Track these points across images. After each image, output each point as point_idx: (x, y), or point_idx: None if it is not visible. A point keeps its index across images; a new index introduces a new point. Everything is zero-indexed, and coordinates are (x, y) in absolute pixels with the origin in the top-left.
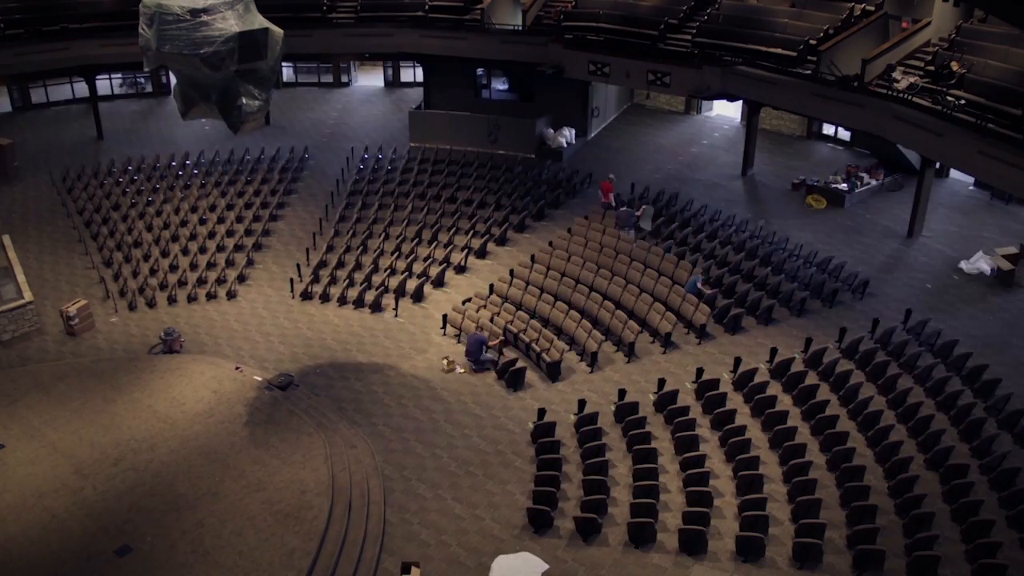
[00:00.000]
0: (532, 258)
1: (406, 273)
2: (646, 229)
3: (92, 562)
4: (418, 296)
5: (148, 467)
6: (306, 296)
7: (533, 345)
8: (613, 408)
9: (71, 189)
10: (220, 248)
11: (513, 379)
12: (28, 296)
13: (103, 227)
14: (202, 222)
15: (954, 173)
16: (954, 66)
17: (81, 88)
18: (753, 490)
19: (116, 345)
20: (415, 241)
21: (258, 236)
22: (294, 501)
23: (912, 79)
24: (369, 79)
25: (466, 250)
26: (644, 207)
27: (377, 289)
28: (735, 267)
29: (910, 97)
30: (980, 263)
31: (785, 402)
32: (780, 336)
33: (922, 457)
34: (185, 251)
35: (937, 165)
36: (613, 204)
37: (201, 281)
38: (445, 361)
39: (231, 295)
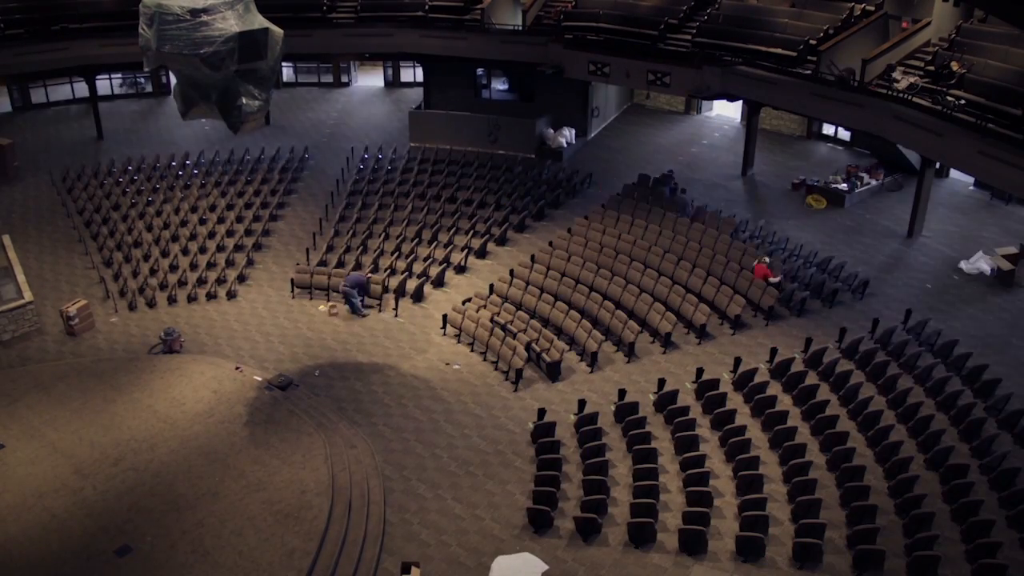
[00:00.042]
0: (532, 258)
1: (406, 273)
2: (775, 282)
3: (92, 562)
4: (418, 296)
5: (148, 467)
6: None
7: (533, 345)
8: (613, 408)
9: (71, 189)
10: (220, 248)
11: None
12: (28, 296)
13: (103, 227)
14: (202, 222)
15: (954, 173)
16: (954, 66)
17: (81, 88)
18: (753, 490)
19: (116, 345)
20: (415, 241)
21: (258, 236)
22: (294, 501)
23: (912, 79)
24: (369, 79)
25: (466, 250)
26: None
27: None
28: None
29: (910, 97)
30: (980, 263)
31: (785, 402)
32: (780, 336)
33: (922, 457)
34: (185, 251)
35: (937, 165)
36: (771, 280)
37: (201, 281)
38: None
39: (231, 295)
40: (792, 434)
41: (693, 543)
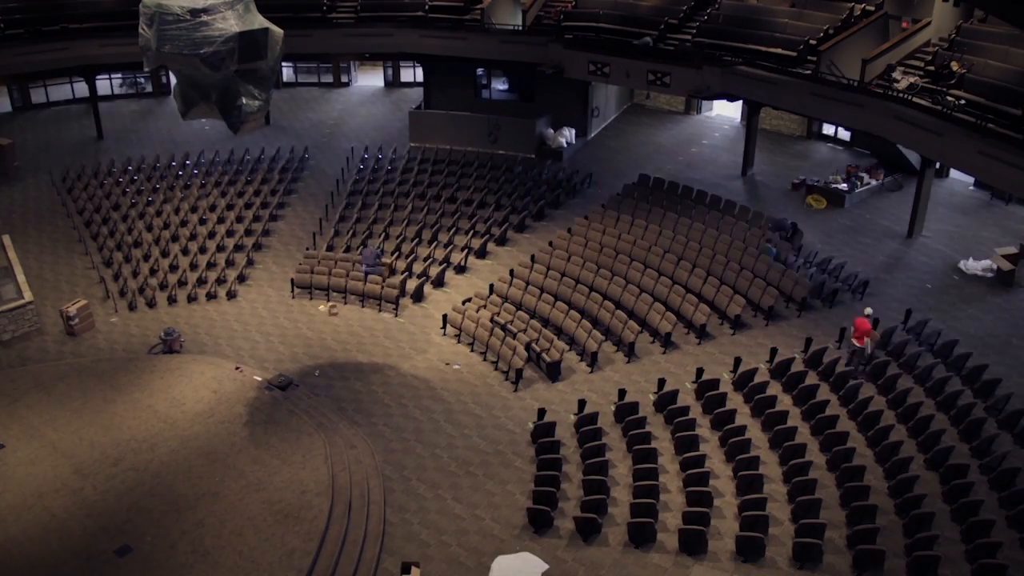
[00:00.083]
0: (532, 258)
1: (406, 273)
2: (862, 360)
3: (92, 562)
4: (418, 296)
5: (148, 467)
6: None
7: (533, 345)
8: (613, 408)
9: (71, 189)
10: (220, 248)
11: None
12: (28, 296)
13: (103, 227)
14: (202, 222)
15: (954, 173)
16: (954, 66)
17: (81, 88)
18: (753, 490)
19: (116, 345)
20: (415, 241)
21: (258, 236)
22: (294, 501)
23: (912, 79)
24: (369, 79)
25: (466, 250)
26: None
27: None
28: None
29: (910, 97)
30: (979, 268)
31: (785, 402)
32: (780, 336)
33: (922, 457)
34: (185, 251)
35: (937, 165)
36: (869, 350)
37: (201, 281)
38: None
39: (231, 295)
40: (792, 434)
41: (693, 543)
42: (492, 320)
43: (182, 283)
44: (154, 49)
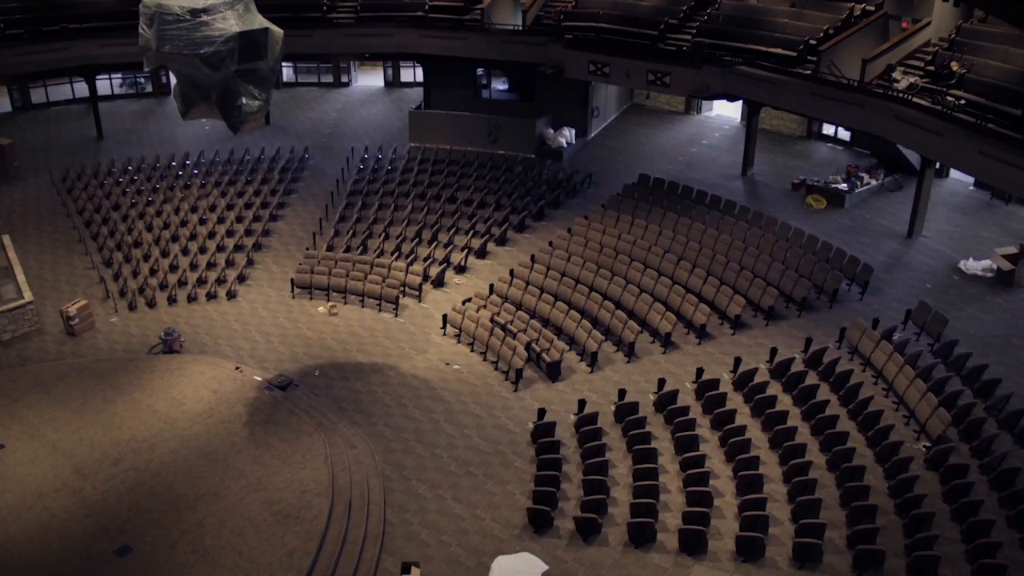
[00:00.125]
0: (532, 258)
1: (406, 273)
2: None
3: (92, 562)
4: (418, 296)
5: (148, 467)
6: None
7: (533, 345)
8: (613, 408)
9: (71, 189)
10: (220, 248)
11: None
12: (28, 296)
13: (103, 227)
14: (202, 222)
15: (954, 173)
16: (954, 66)
17: (81, 88)
18: (753, 490)
19: (116, 345)
20: (415, 241)
21: (258, 236)
22: (294, 501)
23: (912, 79)
24: (369, 79)
25: (466, 250)
26: None
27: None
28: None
29: (910, 97)
30: (979, 268)
31: (785, 402)
32: (780, 336)
33: (922, 457)
34: (185, 251)
35: (937, 165)
36: None
37: (201, 281)
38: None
39: (231, 295)
40: (792, 434)
41: (693, 543)
42: (492, 320)
43: (182, 283)
44: (154, 49)
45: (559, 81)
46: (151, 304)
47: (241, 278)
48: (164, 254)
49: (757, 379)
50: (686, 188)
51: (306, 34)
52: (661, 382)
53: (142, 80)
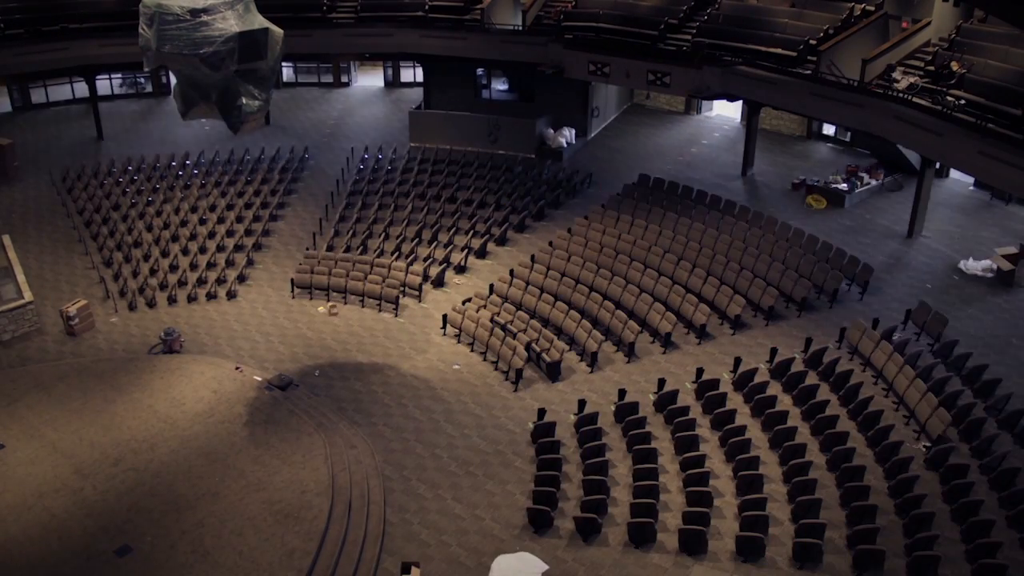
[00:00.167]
0: (532, 258)
1: (406, 273)
2: None
3: (92, 562)
4: (418, 296)
5: (148, 467)
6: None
7: (533, 345)
8: (613, 408)
9: (71, 189)
10: (220, 248)
11: None
12: (28, 296)
13: (103, 227)
14: (202, 222)
15: (954, 173)
16: (954, 66)
17: (81, 88)
18: (753, 490)
19: (116, 345)
20: (415, 241)
21: (258, 236)
22: (294, 501)
23: (912, 79)
24: (369, 79)
25: (466, 250)
26: None
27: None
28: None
29: (910, 97)
30: (979, 268)
31: (785, 402)
32: (780, 336)
33: (922, 457)
34: (185, 251)
35: (937, 165)
36: None
37: (201, 281)
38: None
39: (231, 295)
40: (792, 434)
41: (693, 543)
42: (492, 320)
43: (182, 283)
44: (154, 49)
45: (559, 81)
46: (151, 304)
47: (241, 278)
48: (164, 254)
49: (757, 379)
50: (686, 188)
51: (306, 34)
52: (661, 382)
53: (142, 80)
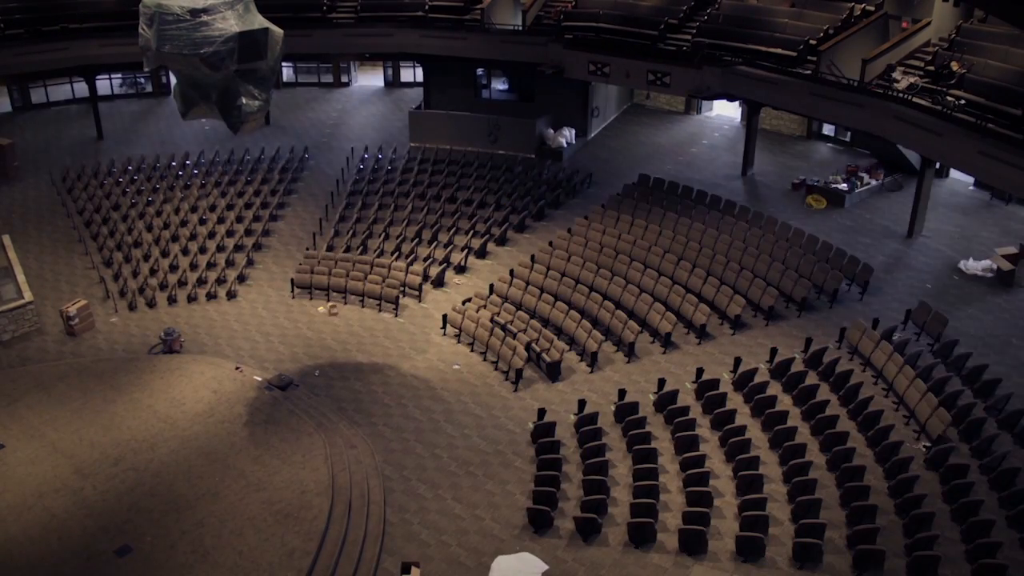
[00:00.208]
0: (532, 258)
1: (406, 273)
2: None
3: (92, 562)
4: (418, 296)
5: (148, 467)
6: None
7: (533, 345)
8: (613, 408)
9: (71, 189)
10: (220, 248)
11: None
12: (28, 296)
13: (103, 227)
14: (202, 222)
15: (954, 173)
16: (954, 66)
17: (81, 88)
18: (753, 490)
19: (116, 345)
20: (415, 241)
21: (258, 236)
22: (294, 501)
23: (912, 79)
24: (369, 79)
25: (466, 250)
26: None
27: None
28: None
29: (910, 97)
30: (979, 268)
31: (785, 402)
32: (780, 336)
33: (922, 457)
34: (185, 251)
35: (937, 165)
36: None
37: (201, 281)
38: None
39: (231, 295)
40: (792, 434)
41: (693, 543)
42: (492, 320)
43: (182, 283)
44: (154, 49)
45: (559, 81)
46: (151, 304)
47: (241, 278)
48: (164, 254)
49: (757, 379)
50: (686, 188)
51: (306, 34)
52: (661, 382)
53: (142, 80)
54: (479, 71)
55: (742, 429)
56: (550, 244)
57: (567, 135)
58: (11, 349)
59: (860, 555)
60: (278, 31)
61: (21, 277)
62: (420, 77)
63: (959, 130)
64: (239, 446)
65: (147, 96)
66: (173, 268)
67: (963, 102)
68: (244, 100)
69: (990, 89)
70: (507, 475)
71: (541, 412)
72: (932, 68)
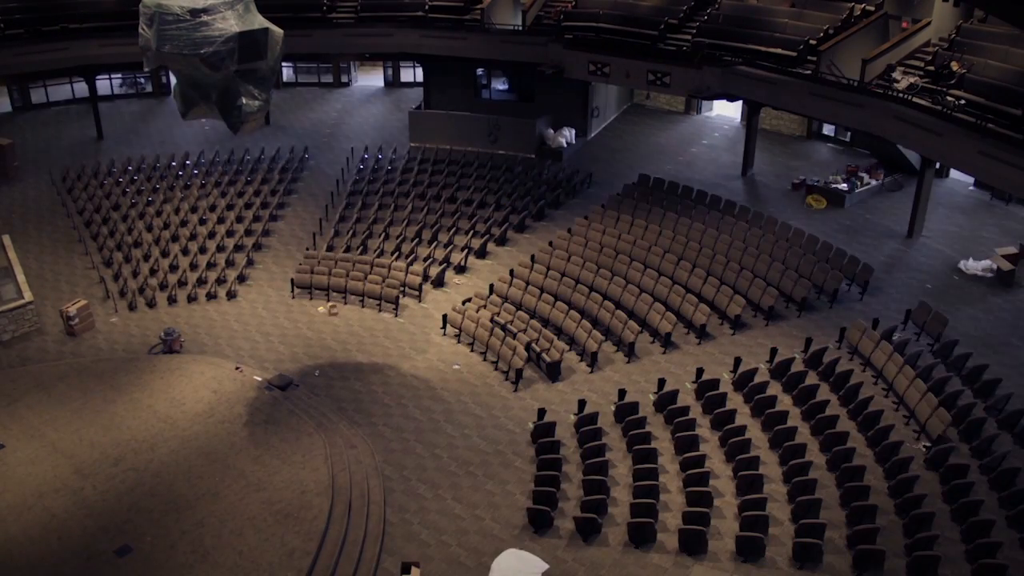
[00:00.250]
0: (532, 258)
1: (406, 273)
2: None
3: (92, 562)
4: (418, 296)
5: (148, 467)
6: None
7: (533, 345)
8: (613, 408)
9: (71, 189)
10: (220, 248)
11: None
12: (28, 296)
13: (103, 227)
14: (202, 222)
15: (954, 173)
16: (954, 66)
17: (81, 88)
18: (753, 490)
19: (116, 345)
20: (415, 241)
21: (258, 236)
22: (294, 501)
23: (912, 79)
24: (369, 79)
25: (466, 250)
26: None
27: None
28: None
29: (910, 97)
30: (979, 268)
31: (785, 402)
32: (780, 336)
33: (922, 457)
34: (185, 251)
35: (937, 165)
36: None
37: (201, 281)
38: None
39: (231, 295)
40: (792, 434)
41: (693, 543)
42: (492, 320)
43: (182, 283)
44: (154, 49)
45: (559, 81)
46: (151, 304)
47: (241, 278)
48: (164, 254)
49: (757, 379)
50: (686, 188)
51: (306, 34)
52: (661, 382)
53: (142, 80)
54: (479, 71)
55: (742, 429)
56: (550, 244)
57: (567, 135)
58: (11, 349)
59: (860, 555)
60: (278, 31)
61: (21, 277)
62: (420, 77)
63: (959, 130)
64: (239, 446)
65: (147, 96)
66: (173, 268)
67: (963, 102)
68: (244, 100)
69: (990, 89)
70: (507, 475)
71: (541, 412)
72: (932, 68)
